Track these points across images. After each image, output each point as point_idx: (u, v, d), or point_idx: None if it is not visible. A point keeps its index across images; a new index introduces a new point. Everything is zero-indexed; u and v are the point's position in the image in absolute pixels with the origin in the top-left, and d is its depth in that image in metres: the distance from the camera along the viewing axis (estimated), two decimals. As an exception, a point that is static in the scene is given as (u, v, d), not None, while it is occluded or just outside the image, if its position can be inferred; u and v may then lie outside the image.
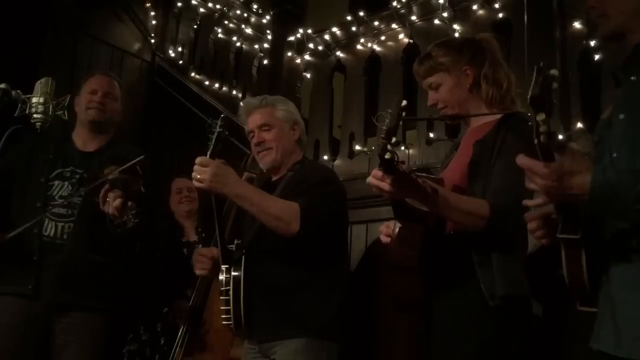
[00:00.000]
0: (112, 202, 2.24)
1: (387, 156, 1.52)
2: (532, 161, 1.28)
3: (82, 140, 2.65)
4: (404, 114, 1.56)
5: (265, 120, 2.39)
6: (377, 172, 1.65)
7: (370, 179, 1.68)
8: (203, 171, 2.10)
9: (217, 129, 2.21)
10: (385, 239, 1.91)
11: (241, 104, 2.51)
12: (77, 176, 2.54)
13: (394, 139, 1.52)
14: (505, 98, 1.96)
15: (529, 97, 1.22)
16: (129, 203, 2.25)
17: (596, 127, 1.50)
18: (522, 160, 1.30)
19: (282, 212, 2.14)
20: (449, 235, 1.87)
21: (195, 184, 2.13)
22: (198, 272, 2.52)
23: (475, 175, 1.84)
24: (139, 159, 2.35)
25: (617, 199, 1.25)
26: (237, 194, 2.15)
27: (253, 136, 2.41)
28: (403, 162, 1.64)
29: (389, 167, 1.56)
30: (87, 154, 2.61)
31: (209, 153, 2.18)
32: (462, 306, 1.81)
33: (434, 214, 1.80)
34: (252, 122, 2.41)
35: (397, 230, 1.84)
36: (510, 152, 1.79)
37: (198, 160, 2.13)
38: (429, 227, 1.83)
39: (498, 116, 1.92)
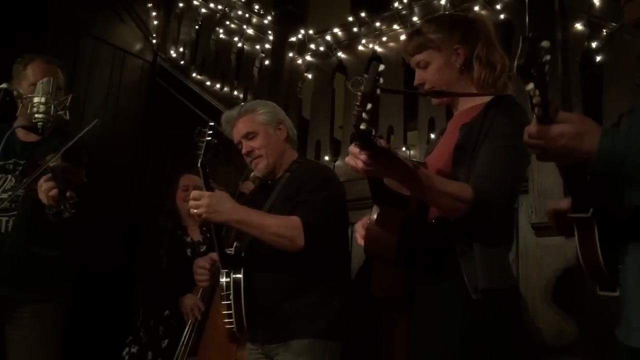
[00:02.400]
0: (47, 192, 2.21)
1: (362, 126, 1.40)
2: (538, 129, 1.22)
3: (24, 130, 2.57)
4: (381, 80, 1.42)
5: (248, 129, 2.39)
6: (353, 148, 1.54)
7: (347, 158, 1.59)
8: (197, 205, 2.13)
9: (206, 138, 2.22)
10: (360, 242, 1.83)
11: (222, 118, 2.49)
12: (20, 168, 2.49)
13: (369, 106, 1.40)
14: (497, 81, 1.86)
15: (514, 67, 1.18)
16: (68, 193, 2.22)
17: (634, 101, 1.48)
18: (530, 130, 1.25)
19: (284, 230, 2.15)
20: (431, 224, 1.77)
21: (197, 218, 2.19)
22: (199, 284, 2.53)
23: (460, 159, 1.74)
24: (77, 137, 2.28)
25: (624, 163, 1.21)
26: (236, 220, 2.17)
27: (242, 147, 2.41)
28: (382, 137, 1.53)
29: (366, 140, 1.46)
30: (29, 144, 2.55)
31: (199, 162, 2.20)
32: (445, 300, 1.71)
33: (415, 198, 1.69)
34: (237, 132, 2.42)
35: (374, 216, 1.73)
36: (497, 135, 1.71)
37: (192, 194, 2.17)
38: (410, 215, 1.72)
39: (487, 99, 1.81)
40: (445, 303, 1.71)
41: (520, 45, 1.18)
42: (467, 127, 1.77)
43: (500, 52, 1.89)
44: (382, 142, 1.52)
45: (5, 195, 2.45)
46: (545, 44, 1.16)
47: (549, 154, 1.25)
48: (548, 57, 1.16)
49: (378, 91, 1.41)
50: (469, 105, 1.87)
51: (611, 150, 1.21)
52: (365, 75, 1.44)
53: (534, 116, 1.21)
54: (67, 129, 2.59)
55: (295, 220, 2.16)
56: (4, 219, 2.46)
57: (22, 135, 2.59)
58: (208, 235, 3.44)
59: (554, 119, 1.21)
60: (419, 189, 1.61)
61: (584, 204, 1.31)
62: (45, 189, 2.23)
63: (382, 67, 1.43)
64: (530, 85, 1.16)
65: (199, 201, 2.13)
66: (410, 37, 1.96)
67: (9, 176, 2.50)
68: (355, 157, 1.55)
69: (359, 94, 1.42)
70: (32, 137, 2.55)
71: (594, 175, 1.26)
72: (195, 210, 2.14)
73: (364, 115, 1.39)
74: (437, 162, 1.80)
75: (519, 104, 1.79)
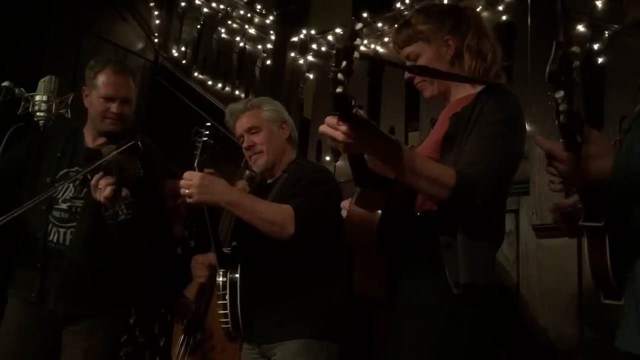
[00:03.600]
0: (103, 190, 2.12)
1: (338, 89, 1.29)
2: (552, 144, 1.20)
3: (92, 136, 2.49)
4: (358, 39, 1.31)
5: (252, 123, 2.39)
6: (331, 118, 1.44)
7: (322, 127, 1.47)
8: (189, 184, 2.08)
9: (203, 138, 2.20)
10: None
11: (227, 110, 2.47)
12: (81, 177, 2.37)
13: (344, 64, 1.28)
14: (489, 71, 1.78)
15: (546, 73, 1.13)
16: (123, 192, 2.13)
17: (628, 118, 1.48)
18: (541, 142, 1.22)
19: (275, 216, 2.13)
20: (417, 216, 1.69)
21: (188, 200, 2.12)
22: (198, 280, 2.51)
23: (448, 148, 1.66)
24: (136, 139, 2.23)
25: (637, 182, 1.20)
26: (228, 201, 2.13)
27: (243, 141, 2.41)
28: (361, 107, 1.44)
29: (344, 108, 1.35)
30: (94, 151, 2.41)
31: (195, 163, 2.17)
32: (426, 294, 1.63)
33: (402, 189, 1.61)
34: (240, 126, 2.41)
35: (355, 199, 1.63)
36: (487, 123, 1.64)
37: (184, 175, 2.12)
38: (396, 207, 1.63)
39: (478, 88, 1.74)
40: (426, 297, 1.63)
41: (554, 50, 1.14)
42: (457, 117, 1.70)
43: (492, 42, 1.82)
44: (362, 114, 1.43)
45: (64, 206, 2.39)
46: (576, 49, 1.13)
47: (575, 180, 1.24)
48: (578, 64, 1.13)
49: (356, 54, 1.30)
50: (461, 95, 1.80)
51: (625, 170, 1.20)
52: (340, 31, 1.36)
53: (559, 126, 1.16)
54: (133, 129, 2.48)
55: (287, 208, 2.15)
56: (62, 231, 2.38)
57: (89, 140, 2.48)
58: (194, 229, 3.43)
59: (577, 128, 1.18)
60: (400, 168, 1.52)
61: (597, 212, 1.30)
62: (101, 186, 2.13)
63: (359, 25, 1.33)
64: (561, 93, 1.13)
65: (191, 181, 2.09)
66: (399, 29, 1.88)
67: (70, 185, 2.39)
68: (333, 128, 1.44)
69: (333, 51, 1.31)
70: (99, 142, 2.43)
71: (609, 193, 1.25)
72: (187, 191, 2.09)
73: (339, 76, 1.28)
74: (425, 152, 1.73)
75: (511, 92, 1.74)
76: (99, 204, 2.19)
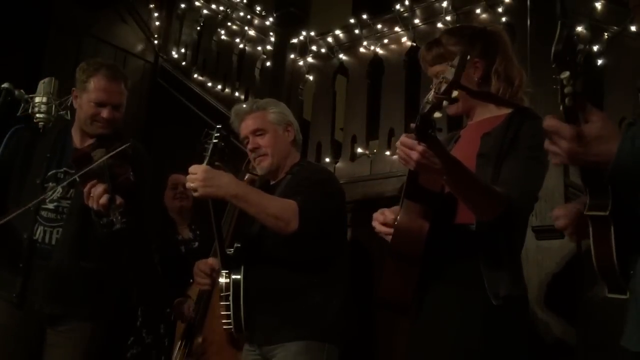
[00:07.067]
0: (97, 198, 2.10)
1: (436, 115, 1.41)
2: (558, 122, 1.18)
3: (80, 137, 2.47)
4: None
5: (257, 126, 2.39)
6: (407, 139, 1.53)
7: (399, 149, 1.56)
8: (194, 178, 2.07)
9: (213, 140, 2.19)
10: (381, 228, 1.81)
11: (232, 110, 2.47)
12: (68, 177, 2.37)
13: (455, 94, 1.41)
14: (515, 95, 1.89)
15: (552, 53, 1.12)
16: (117, 200, 2.11)
17: (631, 117, 1.45)
18: (548, 122, 1.20)
19: (280, 211, 2.12)
20: (453, 229, 1.79)
21: (193, 194, 2.11)
22: (200, 287, 2.51)
23: (482, 164, 1.77)
24: (128, 144, 2.23)
25: None
26: (234, 195, 2.11)
27: (248, 142, 2.41)
28: (440, 130, 1.53)
29: (426, 130, 1.45)
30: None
31: (204, 164, 2.15)
32: (465, 303, 1.74)
33: (445, 199, 1.72)
34: (245, 128, 2.41)
35: (404, 211, 1.72)
36: (525, 146, 1.76)
37: (189, 169, 2.10)
38: (440, 219, 1.73)
39: (505, 110, 1.86)
40: (465, 306, 1.74)
41: (559, 30, 1.14)
42: (489, 136, 1.81)
43: (518, 67, 1.92)
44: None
45: (51, 206, 2.38)
46: (582, 30, 1.14)
47: (578, 159, 1.20)
48: (582, 46, 1.13)
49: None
50: (487, 115, 1.90)
51: (630, 154, 1.17)
52: (451, 63, 1.46)
53: (563, 108, 1.15)
54: (122, 131, 2.47)
55: (292, 203, 2.15)
56: (49, 230, 2.36)
57: (77, 140, 2.46)
58: (198, 232, 3.47)
59: (582, 110, 1.16)
60: (463, 187, 1.63)
61: (601, 200, 1.27)
62: (94, 194, 2.11)
63: (469, 57, 1.46)
64: (566, 74, 1.11)
65: (196, 174, 2.07)
66: (430, 47, 1.97)
67: (57, 186, 2.36)
68: (410, 148, 1.53)
69: (444, 82, 1.41)
70: (87, 143, 2.41)
71: (612, 178, 1.24)
72: (192, 184, 2.07)
73: (445, 103, 1.41)
74: None
75: (540, 117, 1.82)
76: (88, 207, 2.17)
